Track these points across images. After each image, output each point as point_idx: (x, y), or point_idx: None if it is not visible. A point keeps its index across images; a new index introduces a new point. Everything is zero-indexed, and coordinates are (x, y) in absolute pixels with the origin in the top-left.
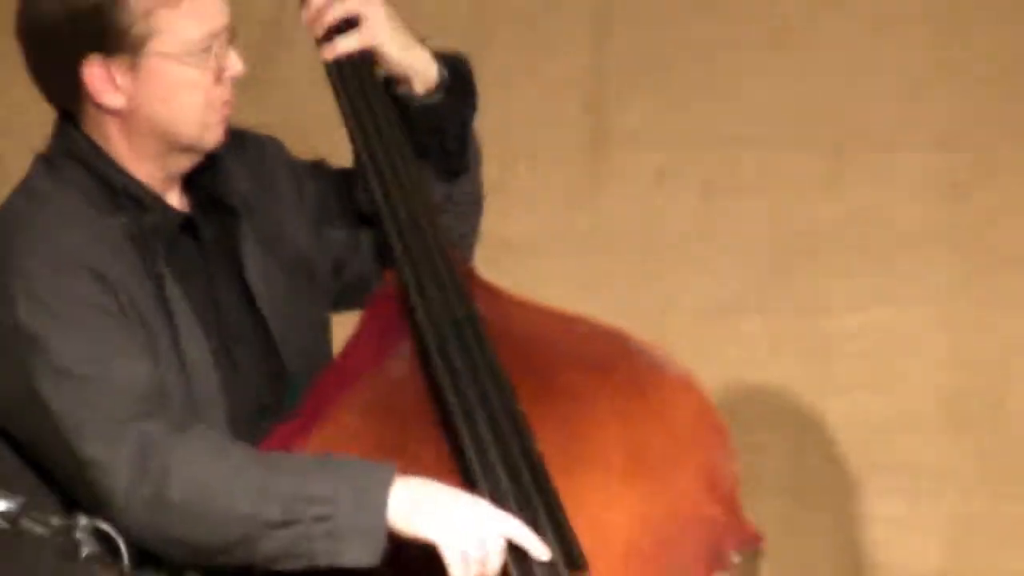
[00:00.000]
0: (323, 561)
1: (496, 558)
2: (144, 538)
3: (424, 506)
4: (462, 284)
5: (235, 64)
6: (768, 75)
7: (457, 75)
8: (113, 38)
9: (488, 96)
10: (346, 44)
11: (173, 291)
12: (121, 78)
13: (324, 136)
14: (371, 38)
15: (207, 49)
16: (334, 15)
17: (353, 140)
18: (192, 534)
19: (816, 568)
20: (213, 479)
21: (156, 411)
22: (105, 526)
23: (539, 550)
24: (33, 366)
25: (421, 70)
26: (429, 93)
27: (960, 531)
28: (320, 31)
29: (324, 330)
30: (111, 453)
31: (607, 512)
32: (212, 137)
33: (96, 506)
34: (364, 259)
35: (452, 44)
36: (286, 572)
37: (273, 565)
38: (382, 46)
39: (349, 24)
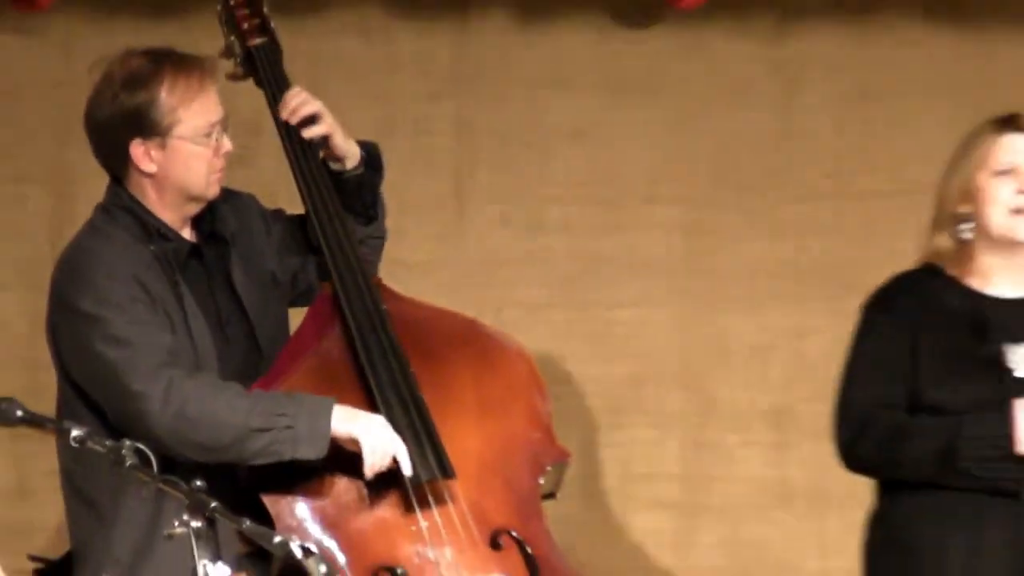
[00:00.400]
0: (287, 456)
1: (391, 454)
2: (170, 444)
3: (352, 420)
4: (373, 290)
5: (227, 144)
6: (571, 156)
7: (372, 156)
8: (149, 128)
9: (389, 170)
10: (313, 131)
11: (186, 294)
12: (154, 153)
13: (283, 194)
14: (328, 128)
15: (210, 134)
16: (306, 111)
17: (303, 197)
18: (202, 438)
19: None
20: (216, 402)
21: (176, 363)
22: (141, 445)
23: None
24: (97, 338)
25: (352, 153)
26: (355, 168)
27: (691, 454)
28: (294, 121)
29: (284, 321)
30: (149, 387)
31: (466, 438)
32: (212, 192)
33: (136, 429)
34: (310, 275)
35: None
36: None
37: (254, 460)
38: (333, 136)
39: (311, 120)
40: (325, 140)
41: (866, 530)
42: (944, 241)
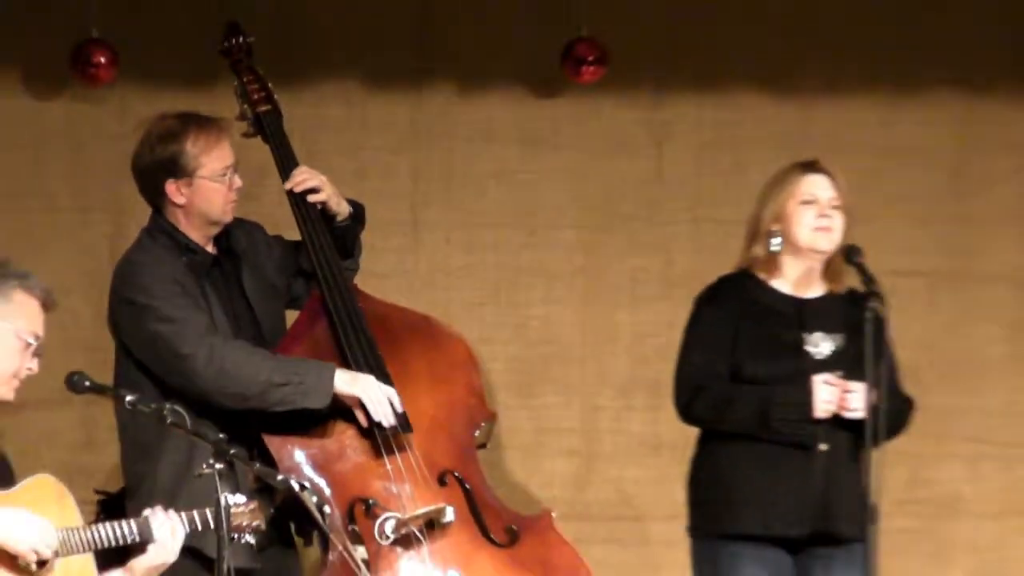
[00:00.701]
0: (300, 405)
1: (387, 400)
2: (212, 395)
3: (351, 380)
4: (351, 293)
5: (238, 181)
6: (498, 194)
7: (358, 213)
8: (180, 171)
9: (362, 203)
10: (315, 197)
11: (210, 294)
12: (184, 190)
13: (282, 224)
14: (325, 196)
15: (225, 174)
16: (309, 185)
17: (300, 228)
18: (237, 389)
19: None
20: (248, 362)
21: (214, 333)
22: (178, 407)
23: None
24: (151, 319)
25: (343, 210)
26: (343, 220)
27: (588, 415)
28: (298, 191)
29: (282, 319)
30: (196, 351)
31: (420, 402)
32: (227, 217)
33: (186, 386)
34: (299, 287)
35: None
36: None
37: (275, 408)
38: (330, 199)
39: (313, 189)
40: (323, 204)
41: (691, 469)
42: (759, 251)
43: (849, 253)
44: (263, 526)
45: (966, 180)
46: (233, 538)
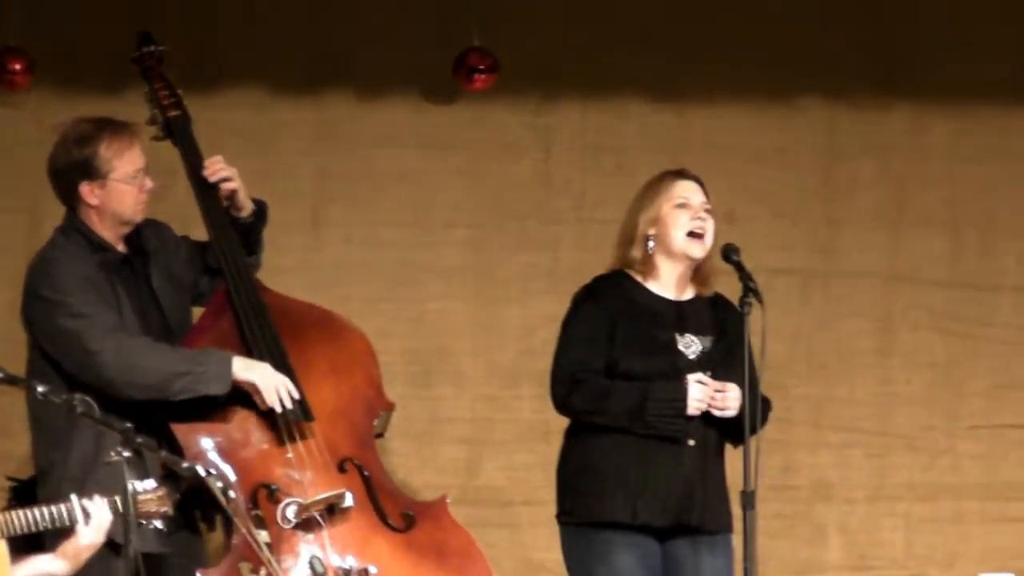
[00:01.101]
0: (201, 392)
1: (281, 386)
2: (119, 387)
3: (248, 367)
4: (255, 288)
5: (149, 183)
6: (396, 194)
7: (261, 209)
8: (93, 174)
9: (268, 203)
10: (229, 185)
11: (120, 292)
12: (97, 191)
13: (191, 223)
14: (236, 186)
15: (136, 176)
16: (223, 174)
17: (207, 225)
18: (143, 381)
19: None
20: (152, 354)
21: (121, 329)
22: (87, 398)
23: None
24: (61, 315)
25: (248, 207)
26: (248, 217)
27: (480, 404)
28: (214, 179)
29: (188, 314)
30: (104, 346)
31: (321, 392)
32: (138, 217)
33: (94, 379)
34: (205, 284)
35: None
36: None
37: (178, 396)
38: (240, 190)
39: (226, 179)
40: (232, 193)
41: (561, 458)
42: (636, 252)
43: (727, 251)
44: (171, 512)
45: (833, 183)
46: (141, 524)
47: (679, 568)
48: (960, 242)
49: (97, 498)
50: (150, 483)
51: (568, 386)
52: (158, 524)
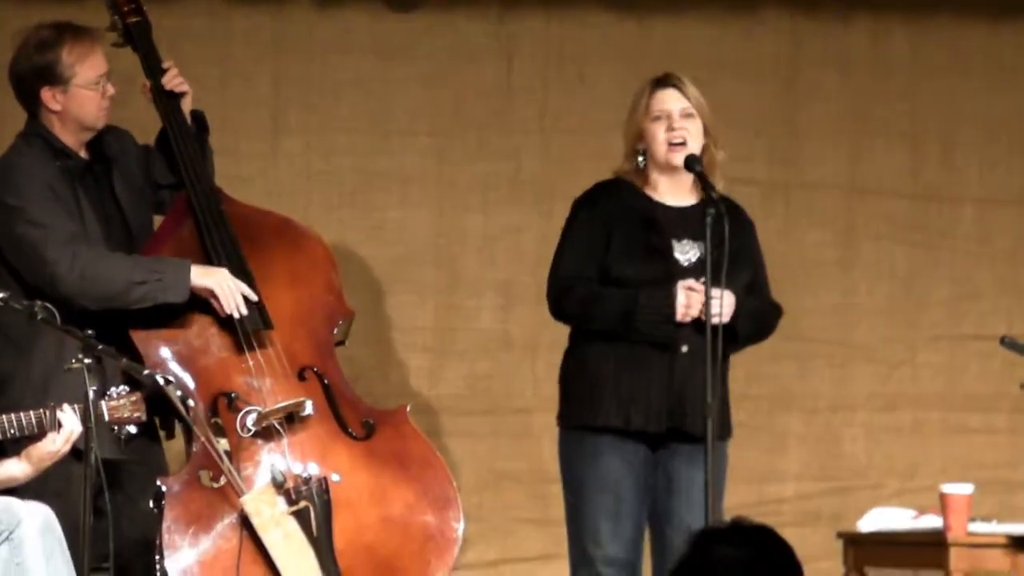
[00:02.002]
0: (160, 300)
1: (239, 292)
2: (75, 297)
3: (205, 273)
4: (215, 195)
5: (110, 89)
6: (355, 101)
7: (200, 122)
8: (56, 79)
9: (227, 111)
10: (186, 101)
11: (82, 197)
12: (59, 96)
13: (150, 128)
14: (189, 95)
15: (98, 82)
16: (184, 87)
17: (169, 130)
18: (99, 291)
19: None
20: (108, 265)
21: (79, 240)
22: (48, 305)
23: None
24: (19, 222)
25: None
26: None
27: (442, 313)
28: (179, 90)
29: (150, 220)
30: (60, 256)
31: (280, 299)
32: (100, 123)
33: (49, 289)
34: (164, 193)
35: None
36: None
37: (136, 305)
38: (186, 96)
39: (185, 91)
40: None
41: (563, 364)
42: (631, 165)
43: (689, 161)
44: (144, 417)
45: (795, 93)
46: (114, 429)
47: (669, 482)
48: (922, 153)
49: (67, 407)
50: (124, 388)
51: (561, 291)
52: (132, 429)
